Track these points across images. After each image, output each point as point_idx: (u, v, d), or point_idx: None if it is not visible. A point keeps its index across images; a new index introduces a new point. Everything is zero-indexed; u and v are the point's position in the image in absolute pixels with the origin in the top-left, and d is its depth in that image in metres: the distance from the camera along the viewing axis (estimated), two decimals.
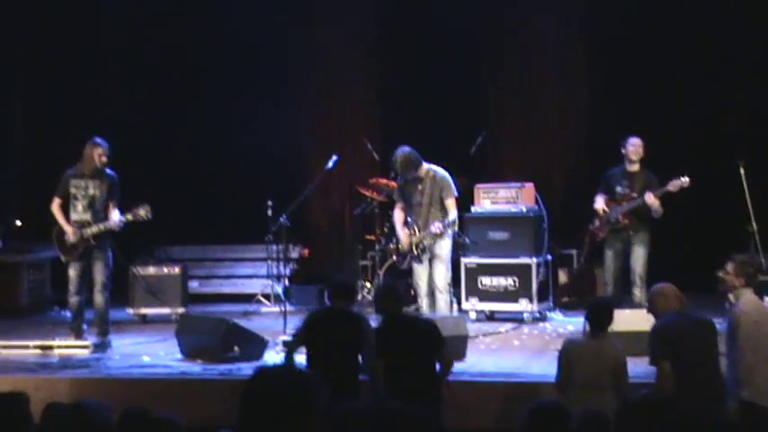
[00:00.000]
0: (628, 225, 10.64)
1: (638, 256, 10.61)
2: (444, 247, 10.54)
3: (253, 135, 14.29)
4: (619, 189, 10.71)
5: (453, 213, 10.46)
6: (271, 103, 14.62)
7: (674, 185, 10.31)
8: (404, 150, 10.66)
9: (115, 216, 10.28)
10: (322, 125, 14.99)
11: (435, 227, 10.33)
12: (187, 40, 15.00)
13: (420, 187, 10.55)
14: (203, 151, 14.87)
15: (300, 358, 7.54)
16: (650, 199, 10.39)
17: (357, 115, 14.85)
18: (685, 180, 10.28)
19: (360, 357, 7.30)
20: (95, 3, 14.96)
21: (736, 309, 7.11)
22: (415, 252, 10.51)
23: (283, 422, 3.33)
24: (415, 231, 10.50)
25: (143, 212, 10.26)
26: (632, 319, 8.74)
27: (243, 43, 14.76)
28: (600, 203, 10.81)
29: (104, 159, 10.34)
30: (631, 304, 10.07)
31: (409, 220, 10.64)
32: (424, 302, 10.54)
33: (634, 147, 10.70)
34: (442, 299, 10.50)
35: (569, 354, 7.01)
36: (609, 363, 6.84)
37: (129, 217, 10.26)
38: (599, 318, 7.03)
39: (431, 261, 10.52)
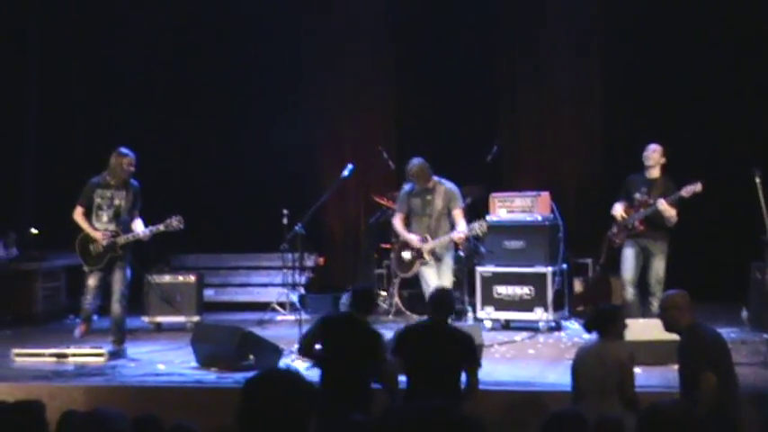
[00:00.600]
0: (643, 231, 10.57)
1: (658, 268, 10.51)
2: (450, 256, 10.70)
3: (269, 143, 14.31)
4: (638, 195, 10.66)
5: (463, 223, 10.53)
6: (286, 111, 14.65)
7: (686, 191, 10.27)
8: (419, 161, 10.75)
9: (139, 227, 10.35)
10: (338, 134, 15.00)
11: (463, 231, 10.44)
12: (203, 49, 15.05)
13: (429, 198, 10.59)
14: (219, 160, 14.91)
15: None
16: (662, 206, 10.34)
17: (373, 124, 14.85)
18: (698, 186, 10.23)
19: (373, 364, 7.33)
20: (112, 11, 14.99)
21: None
22: (427, 258, 10.51)
23: (282, 424, 3.38)
24: (427, 239, 10.51)
25: (176, 223, 10.36)
26: (647, 329, 8.71)
27: (258, 52, 14.79)
28: (618, 209, 10.76)
29: (132, 169, 10.41)
30: (649, 313, 10.06)
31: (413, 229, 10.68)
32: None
33: (648, 152, 10.66)
34: None
35: (576, 361, 6.99)
36: (612, 366, 6.76)
37: (162, 228, 10.33)
38: (599, 321, 7.01)
39: (438, 269, 10.56)
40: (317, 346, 7.74)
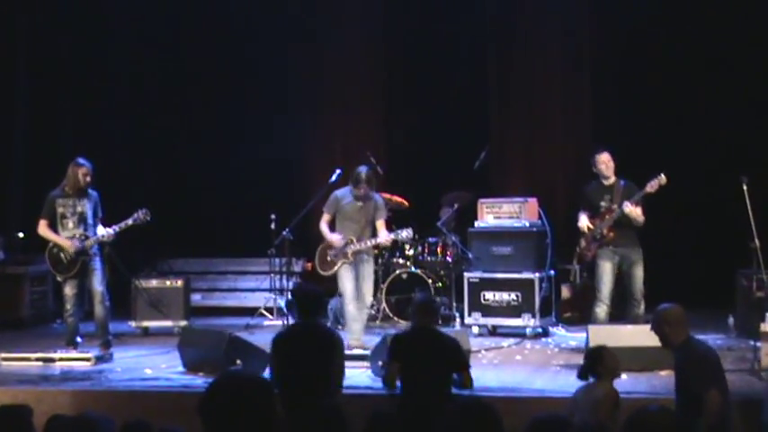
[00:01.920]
0: (613, 238, 10.46)
1: (637, 278, 10.44)
2: (372, 262, 10.93)
3: (256, 148, 14.31)
4: (603, 204, 10.58)
5: (385, 232, 10.71)
6: (275, 116, 14.66)
7: (651, 186, 10.19)
8: (369, 168, 10.93)
9: (101, 230, 10.45)
10: (326, 139, 15.02)
11: (389, 236, 10.72)
12: (191, 52, 15.05)
13: (361, 205, 10.71)
14: (207, 164, 14.90)
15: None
16: (628, 208, 10.30)
17: (361, 129, 14.87)
18: (662, 178, 10.17)
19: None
20: (100, 14, 14.97)
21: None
22: (351, 259, 10.63)
23: (244, 425, 3.47)
24: (352, 241, 10.61)
25: (143, 216, 10.48)
26: (634, 335, 8.73)
27: (247, 56, 14.81)
28: (584, 221, 10.62)
29: (88, 179, 10.52)
30: (631, 320, 10.07)
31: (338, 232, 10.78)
32: (351, 306, 10.60)
33: (605, 160, 10.57)
34: (366, 314, 10.87)
35: (572, 402, 6.95)
36: (602, 414, 6.76)
37: (130, 222, 10.45)
38: (588, 366, 7.01)
39: (360, 276, 10.70)
40: None
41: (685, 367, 6.79)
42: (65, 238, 10.44)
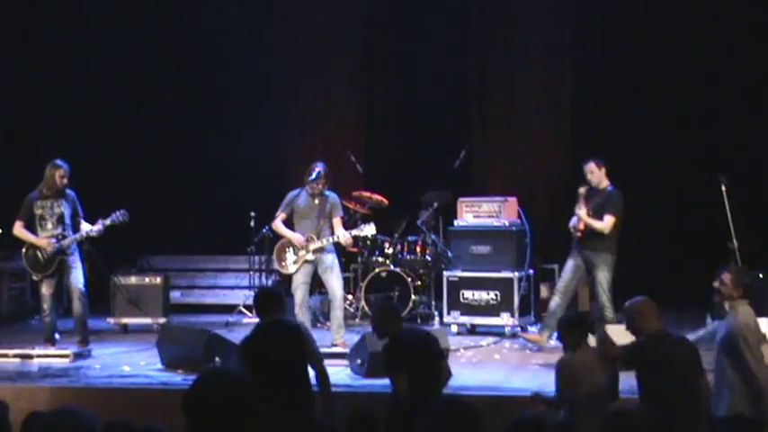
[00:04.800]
0: (580, 238, 10.56)
1: (602, 280, 10.46)
2: (335, 259, 10.80)
3: (236, 146, 14.30)
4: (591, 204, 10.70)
5: (342, 230, 10.71)
6: (255, 114, 14.64)
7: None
8: (324, 164, 10.92)
9: (86, 227, 10.46)
10: (306, 137, 15.00)
11: (349, 233, 10.73)
12: (171, 51, 15.01)
13: (317, 202, 10.74)
14: (187, 161, 14.86)
15: None
16: (581, 211, 10.47)
17: (341, 127, 14.86)
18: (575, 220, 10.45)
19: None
20: (81, 13, 14.91)
21: (736, 323, 7.06)
22: (313, 257, 10.62)
23: (228, 422, 3.49)
24: (312, 238, 10.61)
25: (121, 217, 10.54)
26: (612, 335, 8.76)
27: (228, 55, 14.77)
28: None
29: (65, 181, 10.56)
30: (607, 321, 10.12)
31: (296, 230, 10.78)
32: (301, 311, 10.60)
33: (589, 172, 10.65)
34: (342, 309, 10.75)
35: (574, 368, 6.92)
36: (610, 369, 6.87)
37: (108, 222, 10.49)
38: (575, 329, 7.04)
39: (324, 273, 10.68)
40: None
41: (663, 355, 6.83)
42: (42, 238, 10.45)
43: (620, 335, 7.45)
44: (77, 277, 10.50)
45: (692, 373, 6.88)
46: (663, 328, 7.00)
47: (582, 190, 10.58)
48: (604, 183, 10.63)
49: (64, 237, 10.44)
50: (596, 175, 10.61)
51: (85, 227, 10.52)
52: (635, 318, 6.99)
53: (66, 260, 10.46)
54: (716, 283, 7.26)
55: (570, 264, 10.64)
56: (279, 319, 7.46)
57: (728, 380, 6.94)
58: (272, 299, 7.62)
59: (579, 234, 10.55)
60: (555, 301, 10.60)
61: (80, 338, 10.52)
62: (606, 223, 10.38)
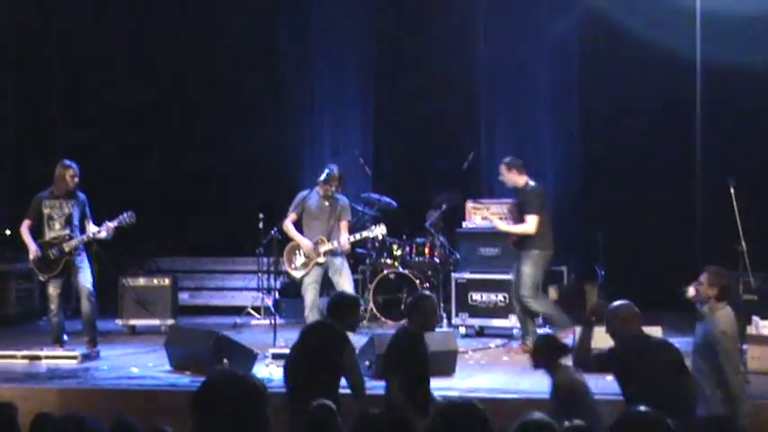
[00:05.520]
0: (514, 242, 10.73)
1: (523, 272, 10.61)
2: (344, 262, 10.81)
3: (246, 148, 14.31)
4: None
5: (347, 234, 10.70)
6: (264, 115, 14.65)
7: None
8: (337, 167, 10.97)
9: (93, 228, 10.45)
10: (315, 138, 15.00)
11: (348, 240, 10.69)
12: (181, 51, 15.00)
13: (327, 204, 10.73)
14: (196, 163, 14.87)
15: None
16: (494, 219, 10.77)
17: (350, 129, 14.86)
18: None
19: None
20: (87, 14, 14.94)
21: (714, 329, 7.05)
22: (324, 259, 10.59)
23: (237, 423, 3.50)
24: (323, 241, 10.59)
25: (128, 218, 10.49)
26: (598, 337, 8.70)
27: (238, 56, 14.78)
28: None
29: (76, 180, 10.55)
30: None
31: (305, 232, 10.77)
32: (311, 313, 10.59)
33: (501, 175, 10.86)
34: None
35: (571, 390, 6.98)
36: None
37: (115, 224, 10.47)
38: (554, 351, 7.08)
39: (335, 275, 10.68)
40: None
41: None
42: (40, 242, 10.43)
43: (597, 335, 7.46)
44: (86, 277, 10.47)
45: (674, 376, 6.83)
46: (642, 333, 6.97)
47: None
48: (521, 181, 10.74)
49: (71, 238, 10.43)
50: (507, 177, 10.74)
51: (92, 228, 10.50)
52: (615, 323, 6.97)
53: (72, 261, 10.44)
54: (692, 285, 7.27)
55: (514, 275, 10.79)
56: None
57: (705, 382, 6.97)
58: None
59: (514, 240, 10.67)
60: (518, 310, 10.76)
61: (88, 339, 10.49)
62: (528, 224, 10.52)
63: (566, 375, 6.96)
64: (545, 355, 7.08)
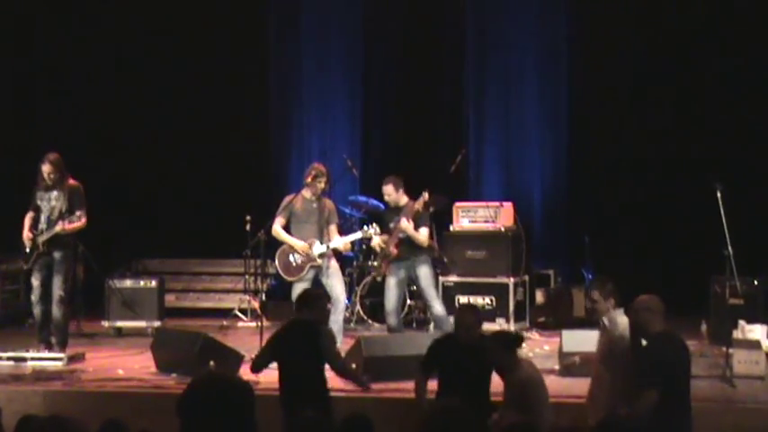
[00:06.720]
0: (398, 255, 10.72)
1: (424, 275, 10.70)
2: (336, 264, 10.81)
3: (232, 149, 14.29)
4: (392, 225, 10.82)
5: (338, 237, 10.72)
6: (251, 117, 14.64)
7: (417, 203, 10.58)
8: (323, 164, 10.95)
9: (60, 225, 10.32)
10: (302, 141, 14.99)
11: (345, 240, 10.77)
12: (168, 52, 14.98)
13: (315, 207, 10.69)
14: (182, 164, 14.84)
15: None
16: (403, 224, 10.58)
17: (337, 131, 14.86)
18: (425, 195, 10.53)
19: None
20: (81, 8, 14.91)
21: (617, 334, 7.10)
22: (319, 262, 10.56)
23: (223, 425, 3.49)
24: (314, 243, 10.57)
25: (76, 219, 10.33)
26: (585, 340, 8.73)
27: (226, 57, 14.76)
28: (376, 240, 10.96)
29: (53, 176, 10.44)
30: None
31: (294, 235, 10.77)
32: None
33: (385, 194, 10.92)
34: (343, 314, 10.75)
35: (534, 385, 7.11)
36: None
37: (67, 225, 10.29)
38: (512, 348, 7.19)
39: (327, 278, 10.64)
40: None
41: (643, 357, 6.83)
42: (30, 232, 10.44)
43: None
44: (58, 281, 10.38)
45: (678, 386, 6.86)
46: (667, 330, 6.98)
47: (378, 243, 10.89)
48: (403, 200, 10.79)
49: (41, 233, 10.38)
50: (392, 195, 10.80)
51: (60, 225, 10.32)
52: (643, 313, 6.94)
53: (49, 259, 10.39)
54: (588, 305, 7.33)
55: (392, 281, 10.81)
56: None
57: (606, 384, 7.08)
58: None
59: (396, 251, 10.71)
60: (392, 321, 10.78)
61: (56, 341, 10.43)
62: (425, 235, 10.66)
63: (523, 371, 7.05)
64: (502, 356, 7.17)
